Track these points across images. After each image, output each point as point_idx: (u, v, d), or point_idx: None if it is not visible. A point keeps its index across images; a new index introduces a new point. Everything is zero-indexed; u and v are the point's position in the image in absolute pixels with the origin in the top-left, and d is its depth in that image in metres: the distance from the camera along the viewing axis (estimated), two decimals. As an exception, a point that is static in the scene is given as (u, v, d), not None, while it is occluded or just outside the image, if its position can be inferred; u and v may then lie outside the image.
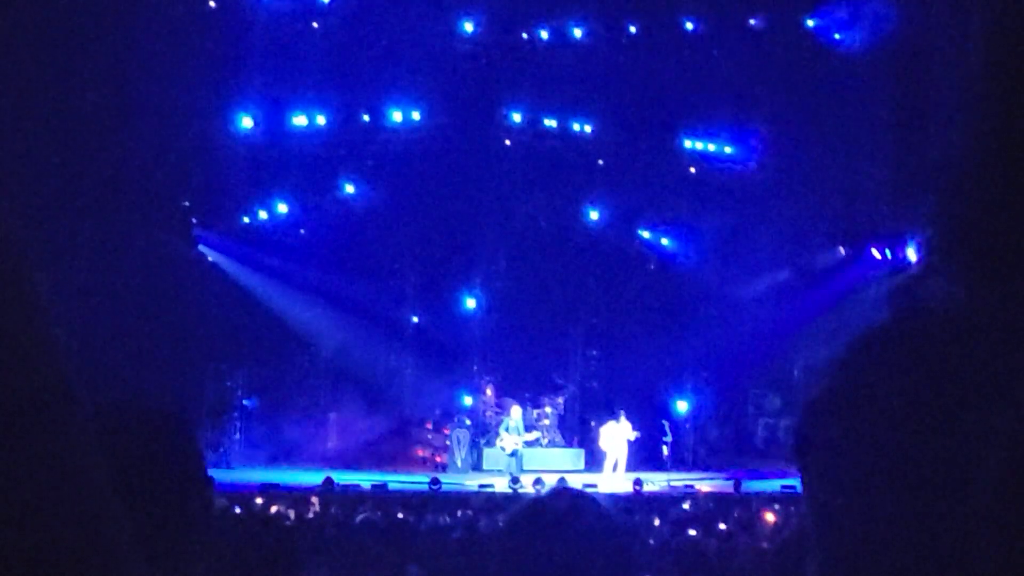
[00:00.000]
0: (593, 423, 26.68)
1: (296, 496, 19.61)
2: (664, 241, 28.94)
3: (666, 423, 27.37)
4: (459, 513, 17.36)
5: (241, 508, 15.37)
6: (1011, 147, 0.78)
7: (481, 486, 22.19)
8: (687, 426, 28.21)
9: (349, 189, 26.83)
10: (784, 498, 19.13)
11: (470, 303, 28.06)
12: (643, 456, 26.03)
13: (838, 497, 0.99)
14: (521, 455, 24.81)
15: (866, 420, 0.94)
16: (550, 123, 27.52)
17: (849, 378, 1.04)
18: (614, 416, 25.10)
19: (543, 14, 26.97)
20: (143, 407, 2.10)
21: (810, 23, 27.18)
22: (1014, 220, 0.81)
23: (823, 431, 1.01)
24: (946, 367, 0.80)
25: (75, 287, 23.04)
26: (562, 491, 2.70)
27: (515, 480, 22.97)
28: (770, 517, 16.17)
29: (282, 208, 26.50)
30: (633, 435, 24.78)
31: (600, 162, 27.98)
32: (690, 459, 27.70)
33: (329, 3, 25.72)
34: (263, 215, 26.55)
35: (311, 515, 17.25)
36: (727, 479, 23.63)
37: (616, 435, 24.78)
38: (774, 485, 21.67)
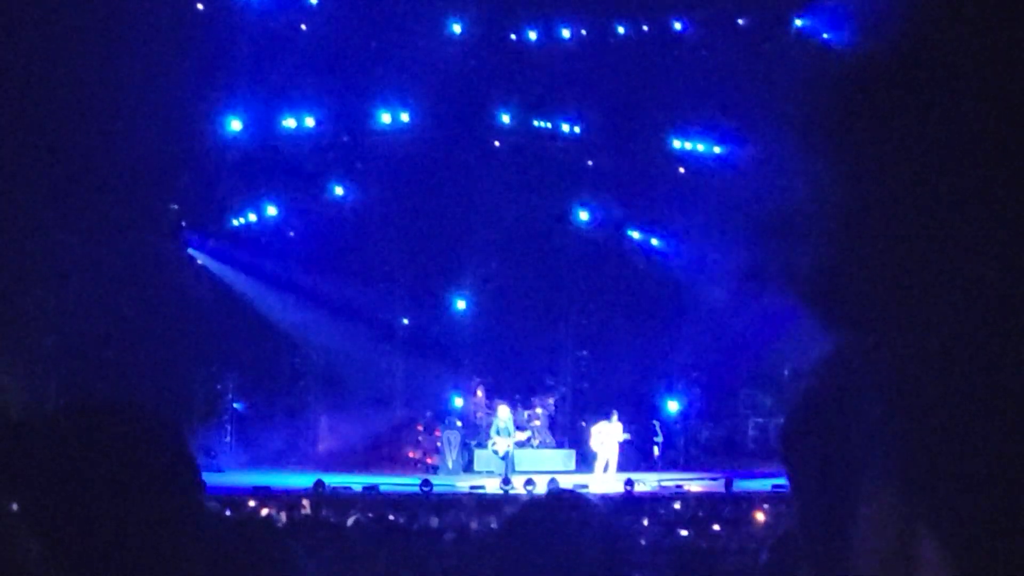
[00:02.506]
0: (584, 423, 26.70)
1: (287, 499, 19.61)
2: (654, 241, 28.96)
3: (657, 423, 27.39)
4: (450, 515, 17.37)
5: (232, 511, 15.35)
6: (1009, 146, 0.78)
7: (472, 487, 22.19)
8: (678, 426, 28.22)
9: (338, 191, 26.82)
10: (775, 498, 19.15)
11: (460, 304, 28.06)
12: (634, 456, 26.04)
13: (825, 498, 0.99)
14: (512, 456, 24.78)
15: (853, 420, 0.94)
16: (539, 124, 27.53)
17: (835, 377, 1.04)
18: (606, 416, 25.11)
19: (531, 15, 26.97)
20: (140, 409, 2.09)
21: (799, 22, 27.20)
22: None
23: (809, 431, 1.00)
24: (936, 365, 0.80)
25: (64, 290, 23.01)
26: (554, 492, 2.70)
27: (506, 481, 22.97)
28: (761, 517, 16.21)
29: (271, 210, 26.48)
30: (623, 436, 24.78)
31: (589, 163, 27.99)
32: (681, 459, 27.71)
33: (317, 5, 25.69)
34: (252, 217, 26.51)
35: (302, 517, 17.24)
36: (718, 479, 23.66)
37: (607, 435, 24.78)
38: (765, 485, 21.67)
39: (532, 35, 27.02)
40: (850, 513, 0.90)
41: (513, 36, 27.02)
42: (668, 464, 27.07)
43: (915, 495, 0.79)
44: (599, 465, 24.67)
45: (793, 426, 1.10)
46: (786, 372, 27.05)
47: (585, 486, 21.43)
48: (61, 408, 2.06)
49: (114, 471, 1.90)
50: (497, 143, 27.48)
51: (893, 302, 0.79)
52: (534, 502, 2.63)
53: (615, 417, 24.93)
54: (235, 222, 26.45)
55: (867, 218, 0.82)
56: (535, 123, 27.50)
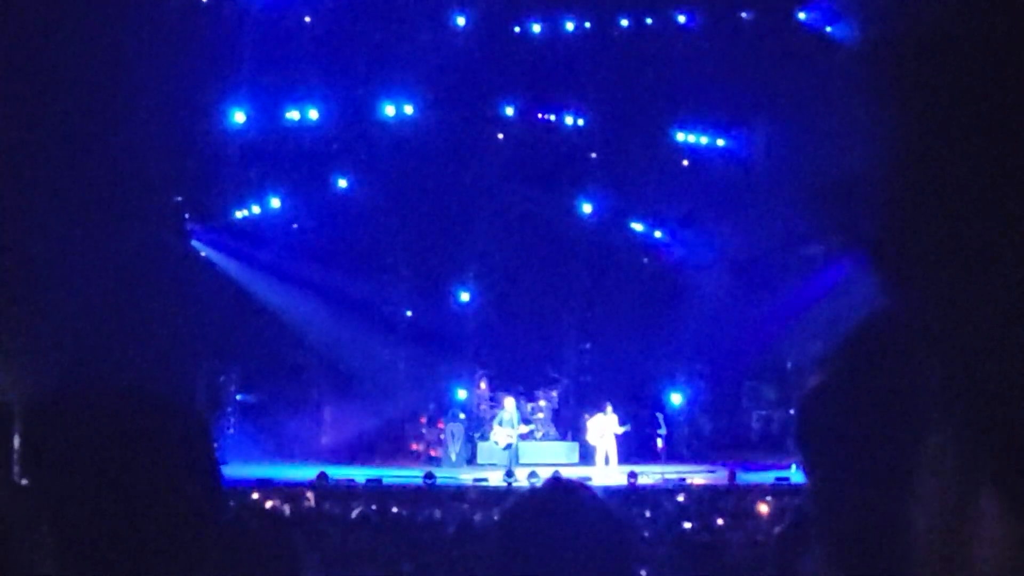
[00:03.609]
0: (587, 416, 26.73)
1: (291, 491, 19.62)
2: (657, 234, 28.95)
3: (660, 416, 27.37)
4: (453, 507, 17.38)
5: (236, 503, 15.35)
6: (1005, 139, 0.78)
7: (476, 480, 22.21)
8: (681, 419, 28.22)
9: (342, 183, 26.82)
10: (778, 490, 19.18)
11: (464, 297, 28.07)
12: (637, 449, 26.05)
13: (841, 485, 1.00)
14: (517, 448, 24.78)
15: (867, 408, 0.94)
16: (543, 116, 27.52)
17: (849, 367, 1.04)
18: (600, 409, 25.13)
19: (535, 8, 26.96)
20: (165, 399, 2.10)
21: (802, 16, 27.17)
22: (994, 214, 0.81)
23: (825, 420, 1.00)
24: (944, 356, 0.80)
25: (66, 283, 23.00)
26: (559, 482, 2.70)
27: (509, 473, 22.99)
28: (764, 509, 16.20)
29: (275, 203, 26.49)
30: (621, 429, 24.79)
31: (593, 155, 27.98)
32: (684, 452, 27.71)
33: (321, -3, 25.69)
34: (256, 210, 26.52)
35: (306, 510, 17.24)
36: (721, 471, 23.67)
37: (603, 428, 24.79)
38: (768, 477, 21.72)
39: (536, 27, 27.01)
40: (864, 501, 0.90)
41: (517, 28, 27.01)
42: (671, 456, 27.07)
43: (927, 484, 0.79)
44: (599, 458, 24.68)
45: (811, 410, 1.10)
46: (789, 364, 27.06)
47: (588, 479, 21.45)
48: (88, 394, 2.05)
49: (140, 459, 1.90)
50: (500, 135, 27.48)
51: (958, 263, 0.79)
52: (536, 492, 2.63)
53: (610, 409, 24.95)
54: (238, 214, 26.48)
55: (927, 180, 0.82)
56: (538, 115, 27.49)
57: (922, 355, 0.82)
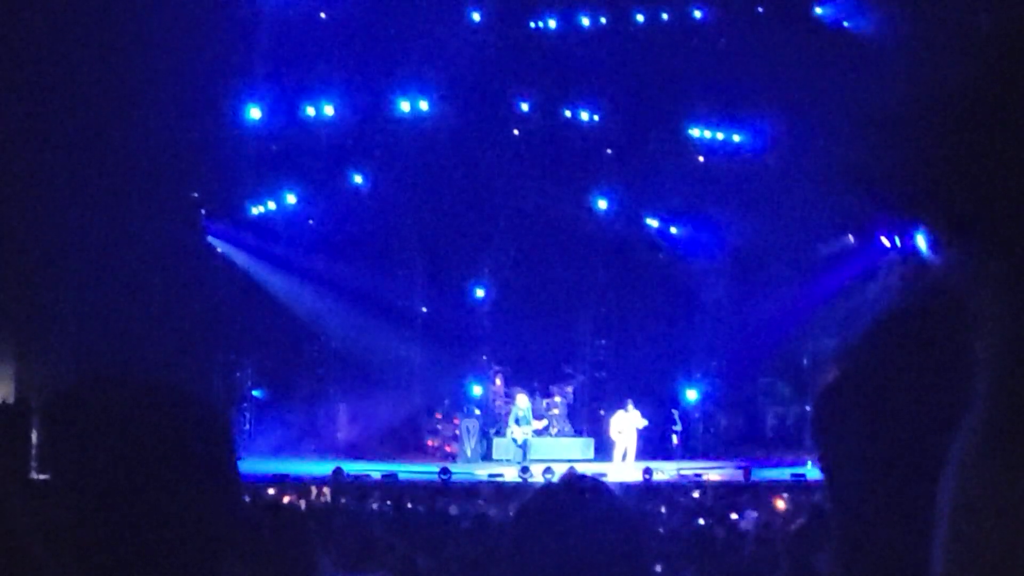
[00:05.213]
0: (603, 412, 26.69)
1: (306, 486, 19.68)
2: (673, 230, 28.90)
3: (676, 412, 27.36)
4: (469, 502, 17.41)
5: (251, 498, 15.39)
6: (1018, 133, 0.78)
7: (491, 475, 22.24)
8: (697, 415, 28.20)
9: (358, 179, 26.84)
10: (794, 486, 19.17)
11: (479, 293, 28.06)
12: (653, 445, 26.03)
13: (857, 481, 0.99)
14: (529, 444, 24.76)
15: (883, 405, 0.94)
16: (559, 112, 27.48)
17: (865, 364, 1.04)
18: (622, 407, 25.11)
19: (551, 3, 26.93)
20: (181, 394, 2.10)
21: (819, 10, 27.08)
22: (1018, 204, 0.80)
23: (842, 416, 1.00)
24: (958, 352, 0.79)
25: (83, 278, 23.08)
26: (574, 478, 2.70)
27: (524, 469, 22.99)
28: (780, 505, 16.20)
29: (291, 199, 26.52)
30: (642, 423, 24.77)
31: (608, 151, 27.94)
32: (700, 448, 27.70)
33: (336, -7, 25.69)
34: (272, 206, 26.55)
35: (321, 505, 17.29)
36: (737, 468, 23.65)
37: (625, 424, 24.78)
38: (784, 473, 21.70)
39: (552, 23, 26.97)
40: (881, 496, 0.90)
41: (532, 24, 26.98)
42: (687, 453, 27.05)
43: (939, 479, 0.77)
44: (617, 454, 24.67)
45: (828, 407, 1.10)
46: (805, 361, 27.00)
47: (604, 475, 21.44)
48: (105, 389, 2.05)
49: (158, 454, 1.90)
50: (516, 131, 27.46)
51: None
52: (550, 488, 2.63)
53: (631, 406, 24.92)
54: (255, 210, 26.51)
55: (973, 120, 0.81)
56: (554, 111, 27.45)
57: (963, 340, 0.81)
